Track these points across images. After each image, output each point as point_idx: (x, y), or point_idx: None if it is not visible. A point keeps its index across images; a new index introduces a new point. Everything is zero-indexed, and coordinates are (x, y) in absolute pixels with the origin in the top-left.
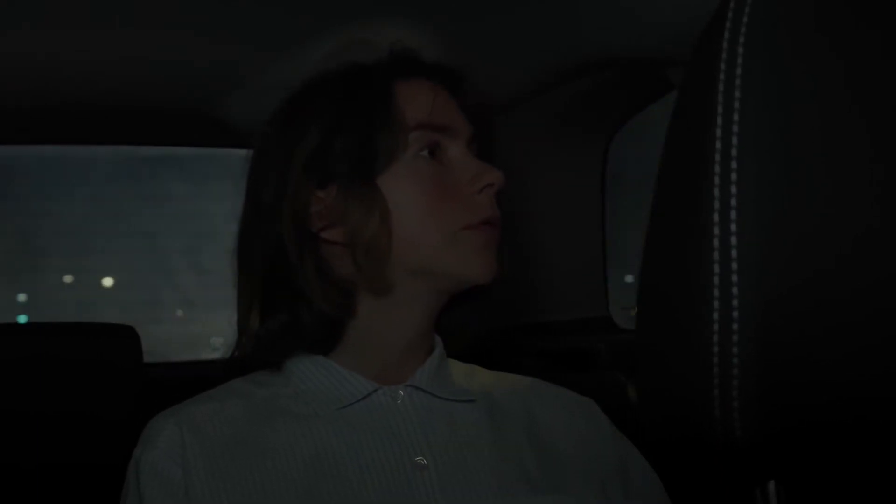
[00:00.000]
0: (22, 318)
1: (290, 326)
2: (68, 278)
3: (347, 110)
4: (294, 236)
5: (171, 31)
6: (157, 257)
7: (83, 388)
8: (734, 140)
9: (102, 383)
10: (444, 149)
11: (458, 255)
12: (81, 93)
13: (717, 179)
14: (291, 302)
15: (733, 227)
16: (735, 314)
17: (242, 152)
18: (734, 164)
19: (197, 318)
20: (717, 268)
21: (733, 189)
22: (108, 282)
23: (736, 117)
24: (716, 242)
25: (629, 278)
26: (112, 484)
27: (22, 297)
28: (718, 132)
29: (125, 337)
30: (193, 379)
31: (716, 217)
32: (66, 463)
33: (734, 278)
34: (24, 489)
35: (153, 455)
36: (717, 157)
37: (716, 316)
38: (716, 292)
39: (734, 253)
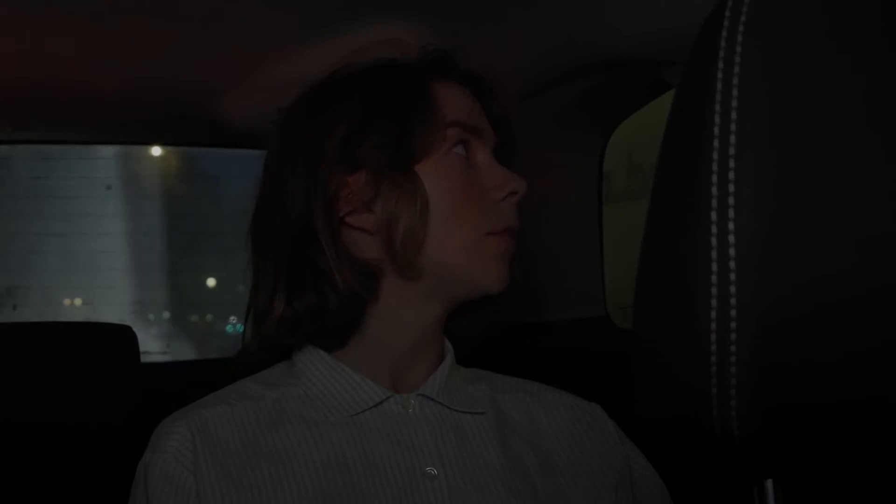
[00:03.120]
0: None
1: (317, 309)
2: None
3: (386, 100)
4: (325, 219)
5: (171, 30)
6: None
7: (79, 389)
8: (732, 138)
9: (99, 384)
10: (474, 152)
11: (477, 261)
12: (81, 92)
13: (714, 178)
14: (316, 284)
15: (731, 226)
16: (733, 313)
17: (242, 152)
18: (732, 163)
19: None
20: (715, 266)
21: (731, 188)
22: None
23: (734, 115)
24: (714, 241)
25: None
26: (109, 486)
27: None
28: (716, 130)
29: (122, 336)
30: (192, 378)
31: (714, 216)
32: (64, 467)
33: (732, 277)
34: (19, 493)
35: (163, 459)
36: (716, 156)
37: (714, 315)
38: (714, 291)
39: (732, 252)
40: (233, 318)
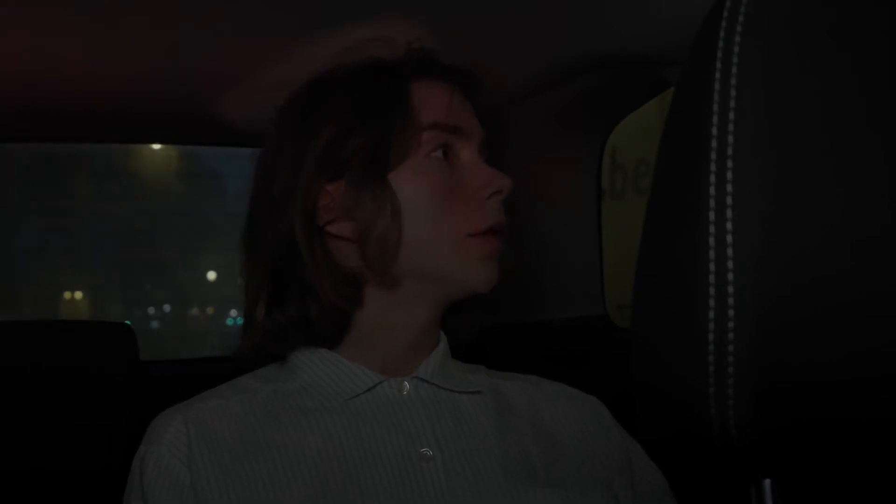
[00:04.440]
0: None
1: (298, 319)
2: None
3: (363, 106)
4: (304, 229)
5: (171, 30)
6: None
7: (78, 387)
8: (730, 139)
9: (98, 383)
10: (456, 151)
11: (461, 263)
12: (82, 92)
13: (713, 178)
14: (300, 294)
15: (729, 226)
16: (731, 312)
17: (242, 151)
18: (730, 163)
19: None
20: (712, 266)
21: (729, 188)
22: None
23: (732, 116)
24: (712, 241)
25: None
26: (108, 484)
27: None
28: (714, 130)
29: (121, 335)
30: (191, 377)
31: (712, 216)
32: (63, 465)
33: (730, 277)
34: (19, 492)
35: (158, 452)
36: (714, 156)
37: (711, 314)
38: (711, 291)
39: (730, 252)
40: (233, 311)
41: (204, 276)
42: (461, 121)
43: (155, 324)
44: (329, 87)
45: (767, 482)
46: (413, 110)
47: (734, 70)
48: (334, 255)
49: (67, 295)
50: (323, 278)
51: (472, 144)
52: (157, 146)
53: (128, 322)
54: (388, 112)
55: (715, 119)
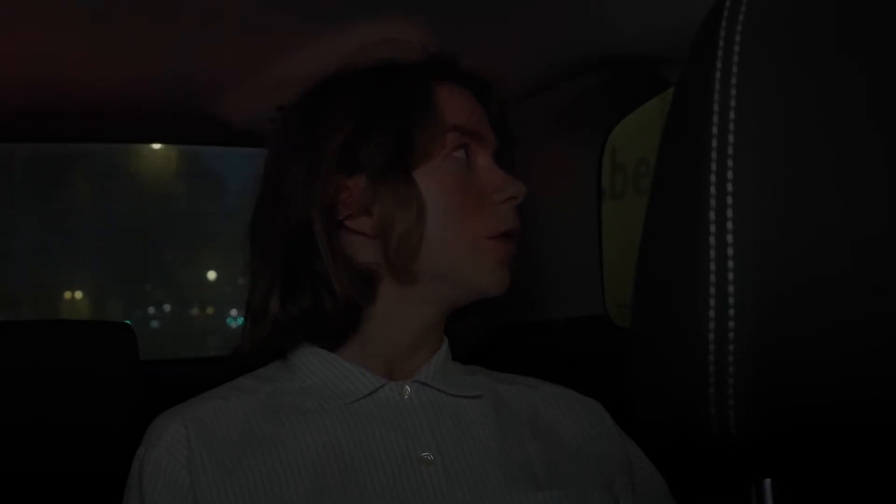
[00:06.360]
0: None
1: (312, 312)
2: (212, 275)
3: (386, 103)
4: (323, 223)
5: (171, 30)
6: None
7: (78, 387)
8: (730, 139)
9: (98, 383)
10: (474, 155)
11: (476, 265)
12: (82, 91)
13: (713, 178)
14: (313, 288)
15: (729, 226)
16: (731, 312)
17: (242, 151)
18: (730, 163)
19: None
20: (713, 266)
21: (730, 187)
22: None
23: (732, 115)
24: (712, 240)
25: None
26: (107, 484)
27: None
28: (715, 130)
29: (121, 335)
30: (191, 377)
31: (712, 216)
32: (62, 464)
33: (730, 277)
34: (18, 492)
35: (157, 454)
36: (714, 156)
37: (711, 314)
38: (711, 290)
39: (730, 252)
40: (233, 311)
41: (204, 276)
42: (479, 126)
43: (155, 324)
44: (348, 84)
45: (767, 482)
46: (438, 111)
47: (734, 70)
48: (349, 249)
49: (67, 295)
50: (339, 272)
51: (487, 150)
52: (157, 146)
53: (128, 322)
54: (412, 110)
55: (715, 119)
